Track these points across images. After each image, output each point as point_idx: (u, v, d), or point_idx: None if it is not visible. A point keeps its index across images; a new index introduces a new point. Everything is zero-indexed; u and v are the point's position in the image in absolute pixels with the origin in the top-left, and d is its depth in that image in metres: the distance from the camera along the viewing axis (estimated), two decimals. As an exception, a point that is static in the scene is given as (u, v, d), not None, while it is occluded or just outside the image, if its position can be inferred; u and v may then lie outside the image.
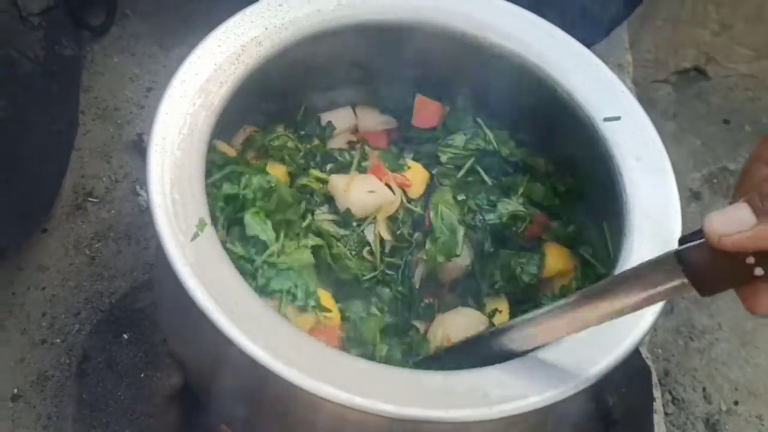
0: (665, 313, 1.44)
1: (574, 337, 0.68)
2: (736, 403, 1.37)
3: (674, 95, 1.74)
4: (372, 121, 1.02)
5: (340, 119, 1.01)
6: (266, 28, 0.84)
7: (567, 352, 0.69)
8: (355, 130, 1.03)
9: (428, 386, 0.65)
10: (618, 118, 0.83)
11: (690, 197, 1.62)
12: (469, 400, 0.64)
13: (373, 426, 0.69)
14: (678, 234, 0.76)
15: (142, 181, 1.31)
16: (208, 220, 0.71)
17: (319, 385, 0.63)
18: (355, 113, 1.02)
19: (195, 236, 0.70)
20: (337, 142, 1.00)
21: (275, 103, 0.95)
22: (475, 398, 0.64)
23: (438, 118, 0.99)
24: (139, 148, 1.34)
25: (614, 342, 0.69)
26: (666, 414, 1.32)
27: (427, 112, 0.98)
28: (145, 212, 1.28)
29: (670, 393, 1.38)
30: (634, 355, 1.09)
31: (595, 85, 0.85)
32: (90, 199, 1.29)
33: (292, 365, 0.64)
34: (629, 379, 1.02)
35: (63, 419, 1.08)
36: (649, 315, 0.70)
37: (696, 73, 1.80)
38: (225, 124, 0.81)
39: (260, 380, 0.69)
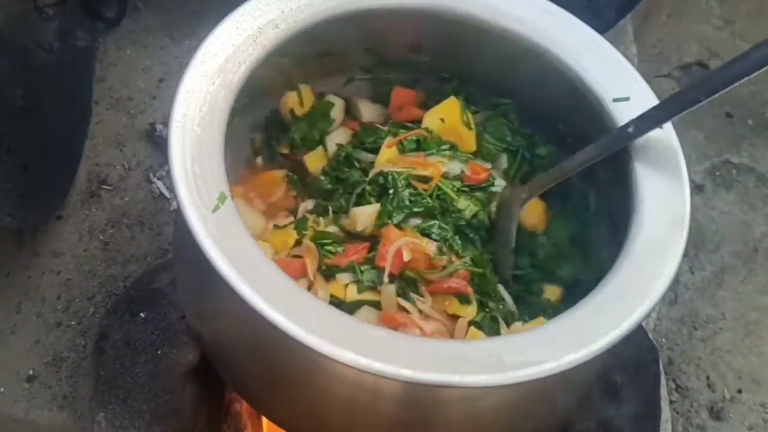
0: (669, 302, 1.46)
1: (589, 309, 0.70)
2: (739, 391, 1.38)
3: (677, 89, 1.76)
4: (370, 112, 1.02)
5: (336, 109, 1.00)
6: (282, 11, 0.86)
7: (580, 322, 0.70)
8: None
9: (445, 352, 0.67)
10: (627, 99, 0.84)
11: (693, 190, 1.63)
12: (484, 366, 0.66)
13: (389, 392, 0.71)
14: (687, 209, 0.78)
15: (154, 169, 1.33)
16: (228, 194, 0.73)
17: (339, 351, 0.64)
18: (353, 103, 1.01)
19: (216, 208, 0.71)
20: (338, 135, 1.00)
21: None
22: (491, 364, 0.66)
23: (414, 106, 1.00)
24: (152, 137, 1.36)
25: (626, 313, 0.71)
26: (670, 402, 1.33)
27: (402, 102, 1.00)
28: (157, 199, 1.30)
29: (674, 381, 1.39)
30: (642, 336, 1.11)
31: (604, 67, 0.87)
32: (104, 186, 1.31)
33: (313, 332, 0.65)
34: (637, 360, 1.04)
35: (78, 400, 1.10)
36: (660, 285, 0.72)
37: (699, 67, 1.81)
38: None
39: (281, 348, 0.70)
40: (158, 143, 1.34)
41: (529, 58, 0.91)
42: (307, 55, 0.92)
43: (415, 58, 0.99)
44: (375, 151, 0.95)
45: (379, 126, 0.98)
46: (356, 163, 0.95)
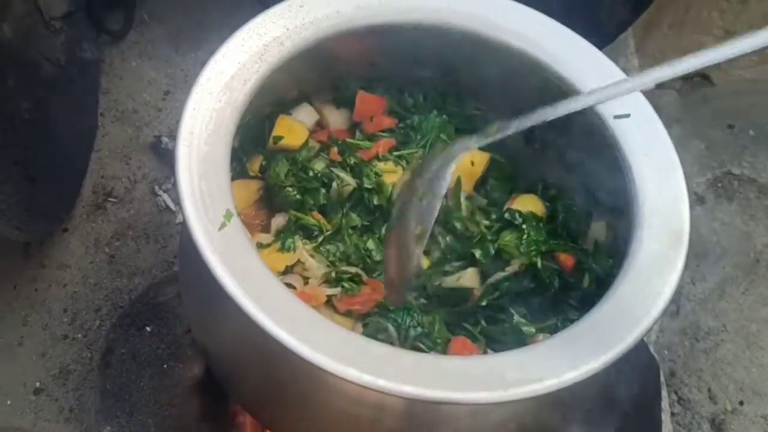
0: (671, 314, 1.46)
1: (590, 325, 0.71)
2: (741, 403, 1.39)
3: (679, 100, 1.76)
4: (336, 119, 1.01)
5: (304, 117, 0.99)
6: (287, 29, 0.87)
7: (582, 339, 0.71)
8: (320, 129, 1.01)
9: (447, 369, 0.67)
10: (627, 116, 0.85)
11: (694, 201, 1.64)
12: (486, 383, 0.67)
13: (391, 408, 0.71)
14: (686, 226, 0.78)
15: (160, 181, 1.34)
16: (234, 211, 0.74)
17: (343, 368, 0.65)
18: (319, 112, 1.00)
19: (222, 226, 0.72)
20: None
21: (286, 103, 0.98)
22: (492, 381, 0.67)
23: (381, 113, 1.00)
24: (157, 150, 1.37)
25: (627, 329, 0.71)
26: (672, 414, 1.34)
27: (367, 108, 0.99)
28: (163, 212, 1.31)
29: (676, 393, 1.40)
30: (643, 349, 1.11)
31: (604, 82, 0.88)
32: (110, 199, 1.32)
33: (317, 348, 0.66)
34: (639, 374, 1.04)
35: (85, 412, 1.11)
36: (660, 302, 0.72)
37: (700, 78, 1.81)
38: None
39: (285, 364, 0.71)
40: (164, 156, 1.35)
41: (530, 74, 0.92)
42: (311, 71, 0.93)
43: (417, 74, 1.00)
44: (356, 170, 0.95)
45: (352, 141, 0.97)
46: (334, 184, 0.94)
